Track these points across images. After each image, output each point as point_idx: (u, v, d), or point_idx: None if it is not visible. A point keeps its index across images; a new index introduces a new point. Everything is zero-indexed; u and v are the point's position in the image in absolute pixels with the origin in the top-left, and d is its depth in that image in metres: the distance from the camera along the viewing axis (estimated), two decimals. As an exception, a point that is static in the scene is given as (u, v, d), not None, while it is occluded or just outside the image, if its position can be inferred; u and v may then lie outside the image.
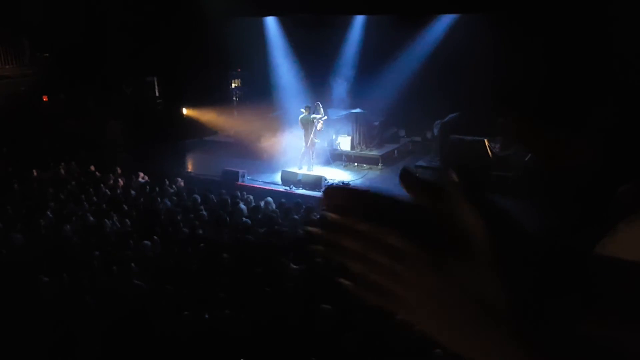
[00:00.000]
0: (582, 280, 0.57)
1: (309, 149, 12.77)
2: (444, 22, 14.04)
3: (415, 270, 0.56)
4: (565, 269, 0.58)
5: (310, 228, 0.62)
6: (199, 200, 10.16)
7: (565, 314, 0.54)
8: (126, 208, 9.70)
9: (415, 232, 0.56)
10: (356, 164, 13.77)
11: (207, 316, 5.65)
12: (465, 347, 0.55)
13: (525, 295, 0.54)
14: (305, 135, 12.70)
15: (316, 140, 12.85)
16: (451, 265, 0.55)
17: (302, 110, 12.82)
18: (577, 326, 0.53)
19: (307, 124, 12.64)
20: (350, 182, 12.17)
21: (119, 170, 12.36)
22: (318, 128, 12.69)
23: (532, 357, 0.53)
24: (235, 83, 18.02)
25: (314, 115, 12.63)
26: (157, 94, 16.43)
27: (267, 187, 11.97)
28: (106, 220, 8.92)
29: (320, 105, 12.86)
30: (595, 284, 0.56)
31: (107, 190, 11.02)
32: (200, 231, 8.49)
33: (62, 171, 12.50)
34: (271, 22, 15.96)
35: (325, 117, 12.95)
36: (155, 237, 8.15)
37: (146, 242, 7.74)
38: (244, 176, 12.41)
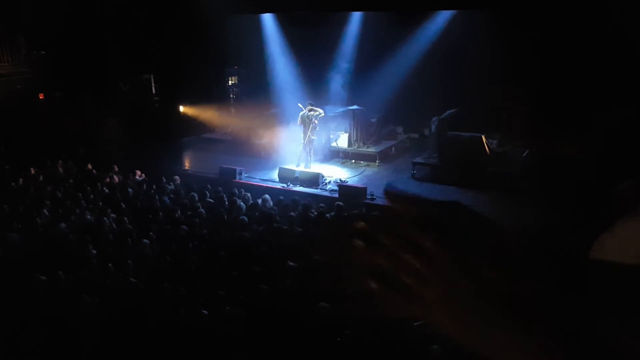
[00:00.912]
0: (578, 283, 0.58)
1: (306, 145, 12.75)
2: (442, 18, 14.02)
3: (441, 271, 0.58)
4: (560, 271, 0.59)
5: (357, 223, 0.63)
6: (197, 197, 10.16)
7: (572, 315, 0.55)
8: (124, 206, 9.68)
9: (442, 236, 0.59)
10: (353, 160, 13.76)
11: (205, 312, 5.66)
12: (485, 345, 0.57)
13: (544, 292, 0.56)
14: (303, 133, 12.69)
15: (313, 137, 12.83)
16: (472, 266, 0.57)
17: (300, 106, 12.82)
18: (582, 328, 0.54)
19: (306, 121, 12.64)
20: (348, 180, 12.17)
21: (116, 168, 12.34)
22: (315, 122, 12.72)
23: (553, 354, 0.54)
24: (232, 80, 18.00)
25: (311, 113, 12.63)
26: (153, 91, 16.40)
27: (264, 185, 11.96)
28: (104, 218, 8.92)
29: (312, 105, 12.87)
30: (591, 288, 0.57)
31: (104, 188, 11.01)
32: (198, 229, 8.48)
33: (60, 169, 12.47)
34: (268, 19, 15.93)
35: (322, 114, 12.94)
36: (152, 234, 8.15)
37: (144, 240, 7.73)
38: (241, 174, 12.40)
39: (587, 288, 0.58)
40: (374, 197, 10.74)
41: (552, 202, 9.02)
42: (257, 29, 15.99)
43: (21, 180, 11.44)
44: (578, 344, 0.53)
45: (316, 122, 12.67)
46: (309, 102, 12.90)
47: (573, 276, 0.60)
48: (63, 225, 8.49)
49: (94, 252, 7.49)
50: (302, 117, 12.64)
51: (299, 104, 12.87)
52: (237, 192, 10.55)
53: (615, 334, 0.53)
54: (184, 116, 16.20)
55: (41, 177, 11.76)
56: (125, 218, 9.05)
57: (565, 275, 0.59)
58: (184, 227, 8.56)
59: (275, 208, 9.61)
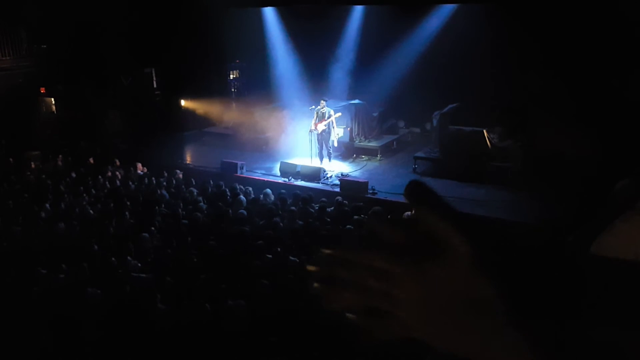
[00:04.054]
0: (577, 279, 0.58)
1: (320, 140, 12.63)
2: (443, 12, 13.97)
3: (404, 283, 0.58)
4: (559, 267, 0.59)
5: (309, 267, 0.64)
6: (198, 192, 10.17)
7: (563, 310, 0.55)
8: (125, 200, 9.69)
9: (396, 250, 0.59)
10: (355, 155, 13.75)
11: (208, 306, 5.67)
12: (464, 344, 0.57)
13: (511, 288, 0.56)
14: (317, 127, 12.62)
15: (317, 131, 12.69)
16: (433, 271, 0.57)
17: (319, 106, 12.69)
18: (574, 324, 0.54)
19: (320, 117, 12.54)
20: (350, 174, 12.17)
21: (118, 162, 12.34)
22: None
23: (532, 347, 0.53)
24: (233, 74, 17.95)
25: (324, 110, 12.49)
26: (155, 85, 16.37)
27: (265, 179, 11.96)
28: (105, 212, 8.92)
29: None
30: (592, 284, 0.57)
31: (106, 182, 11.02)
32: (200, 223, 8.49)
33: (60, 163, 12.48)
34: (269, 13, 15.88)
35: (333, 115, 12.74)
36: (153, 228, 8.16)
37: (145, 234, 7.75)
38: (242, 168, 12.40)
39: (586, 286, 0.58)
40: (375, 191, 10.74)
41: (553, 196, 9.02)
42: (259, 23, 15.95)
43: (28, 173, 11.47)
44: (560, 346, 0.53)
45: (328, 120, 12.47)
46: (323, 98, 12.78)
47: (572, 274, 0.60)
48: (63, 223, 8.48)
49: (96, 246, 7.50)
50: (317, 112, 12.54)
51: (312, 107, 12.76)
52: (238, 186, 10.55)
53: (613, 335, 0.53)
54: (186, 110, 16.18)
55: (43, 171, 11.77)
56: (127, 212, 9.07)
57: (564, 272, 0.58)
58: (185, 221, 8.58)
59: (278, 203, 9.62)
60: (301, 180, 11.72)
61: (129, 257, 7.01)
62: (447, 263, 0.56)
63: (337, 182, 11.35)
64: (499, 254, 0.58)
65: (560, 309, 0.56)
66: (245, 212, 8.89)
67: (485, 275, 0.55)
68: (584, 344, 0.53)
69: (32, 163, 12.28)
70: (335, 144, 12.83)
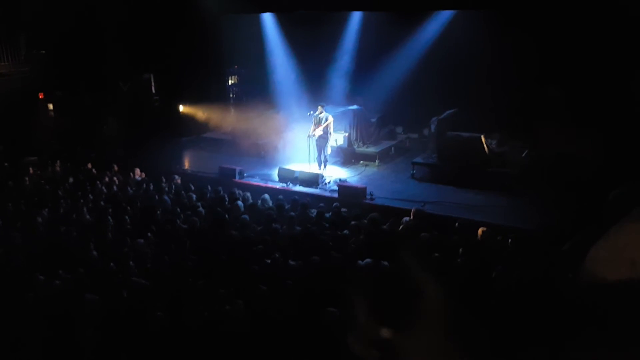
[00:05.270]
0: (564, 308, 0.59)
1: (317, 146, 12.59)
2: (442, 18, 14.02)
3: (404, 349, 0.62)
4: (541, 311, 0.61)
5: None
6: (196, 197, 10.16)
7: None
8: (124, 205, 9.68)
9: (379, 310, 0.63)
10: (353, 160, 13.75)
11: (206, 313, 5.66)
12: None
13: (494, 326, 0.58)
14: (315, 133, 12.50)
15: (315, 137, 12.61)
16: (422, 329, 0.60)
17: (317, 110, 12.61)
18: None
19: (316, 122, 12.42)
20: (348, 179, 12.17)
21: (116, 168, 12.34)
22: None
23: None
24: (232, 80, 17.97)
25: (321, 115, 12.37)
26: (153, 91, 16.38)
27: (264, 185, 11.96)
28: (104, 217, 8.92)
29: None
30: (577, 313, 0.58)
31: (104, 188, 11.01)
32: (198, 228, 8.49)
33: (57, 169, 12.48)
34: (268, 19, 15.92)
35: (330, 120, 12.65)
36: (151, 234, 8.15)
37: (140, 240, 7.74)
38: (241, 173, 12.40)
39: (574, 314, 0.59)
40: (373, 197, 10.75)
41: (551, 202, 9.04)
42: (257, 29, 15.99)
43: (27, 179, 11.46)
44: None
45: (324, 125, 12.36)
46: (321, 103, 12.72)
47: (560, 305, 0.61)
48: (61, 229, 8.48)
49: (95, 252, 7.50)
50: (315, 117, 12.48)
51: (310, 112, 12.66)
52: (236, 192, 10.55)
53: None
54: (184, 116, 16.19)
55: (41, 177, 11.76)
56: (126, 217, 9.06)
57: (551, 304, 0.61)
58: (184, 226, 8.57)
59: (275, 208, 9.63)
60: (299, 185, 11.72)
61: (127, 263, 7.00)
62: (425, 314, 0.58)
63: (335, 187, 11.35)
64: (477, 297, 0.61)
65: (549, 338, 0.58)
66: (246, 217, 8.89)
67: (462, 318, 0.57)
68: None
69: (30, 169, 12.26)
70: (329, 151, 12.74)
